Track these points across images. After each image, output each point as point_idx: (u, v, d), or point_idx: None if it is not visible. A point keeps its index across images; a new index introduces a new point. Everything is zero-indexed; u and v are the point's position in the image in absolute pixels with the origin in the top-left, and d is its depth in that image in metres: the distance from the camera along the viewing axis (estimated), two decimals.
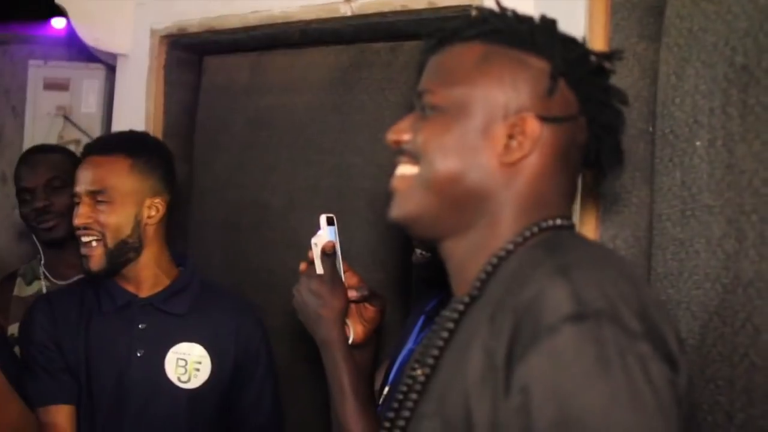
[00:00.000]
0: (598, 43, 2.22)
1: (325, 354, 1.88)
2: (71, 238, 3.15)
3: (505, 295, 1.27)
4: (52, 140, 4.47)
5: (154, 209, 2.63)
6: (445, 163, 1.43)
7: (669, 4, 2.14)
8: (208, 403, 2.64)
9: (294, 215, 3.34)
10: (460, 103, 1.44)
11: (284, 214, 3.38)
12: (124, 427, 2.56)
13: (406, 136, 1.50)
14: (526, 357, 1.17)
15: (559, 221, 1.43)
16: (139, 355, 2.58)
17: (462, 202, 1.44)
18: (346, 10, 3.05)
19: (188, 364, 2.60)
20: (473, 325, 1.33)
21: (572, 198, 1.52)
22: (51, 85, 4.62)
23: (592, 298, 1.18)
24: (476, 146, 1.42)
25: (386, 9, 2.97)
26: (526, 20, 1.50)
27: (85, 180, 2.57)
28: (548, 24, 1.50)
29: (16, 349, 3.08)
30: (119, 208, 2.55)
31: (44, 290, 3.20)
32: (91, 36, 3.70)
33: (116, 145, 2.68)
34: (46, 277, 3.25)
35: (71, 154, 3.37)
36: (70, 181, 3.11)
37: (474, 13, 2.57)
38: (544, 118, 1.42)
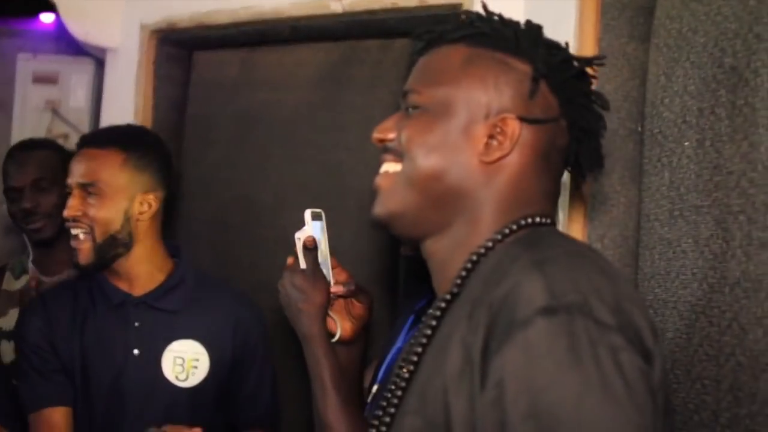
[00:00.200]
0: (588, 44, 2.22)
1: (306, 349, 1.88)
2: (60, 237, 3.15)
3: (484, 292, 1.29)
4: (41, 134, 4.46)
5: (146, 205, 2.60)
6: (427, 161, 1.46)
7: (659, 5, 2.15)
8: (207, 399, 2.63)
9: (283, 212, 3.34)
10: (443, 102, 1.47)
11: (273, 211, 3.38)
12: (122, 427, 2.54)
13: (390, 135, 1.52)
14: (500, 351, 1.18)
15: (538, 219, 1.45)
16: (135, 354, 2.56)
17: (443, 200, 1.46)
18: (336, 7, 3.05)
19: (185, 362, 2.59)
20: (453, 322, 1.35)
21: (554, 198, 1.53)
22: (40, 79, 4.61)
23: (565, 291, 1.19)
24: (458, 145, 1.45)
25: (376, 6, 2.98)
26: (511, 24, 1.53)
27: (77, 172, 2.55)
28: (533, 28, 1.53)
29: (3, 343, 3.10)
30: (109, 203, 2.53)
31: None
32: (80, 30, 3.69)
33: (111, 138, 2.65)
34: (34, 271, 3.23)
35: (60, 149, 3.34)
36: (59, 179, 3.11)
37: (464, 10, 2.58)
38: (524, 119, 1.44)
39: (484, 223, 1.44)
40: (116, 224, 2.54)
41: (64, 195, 3.10)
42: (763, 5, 1.78)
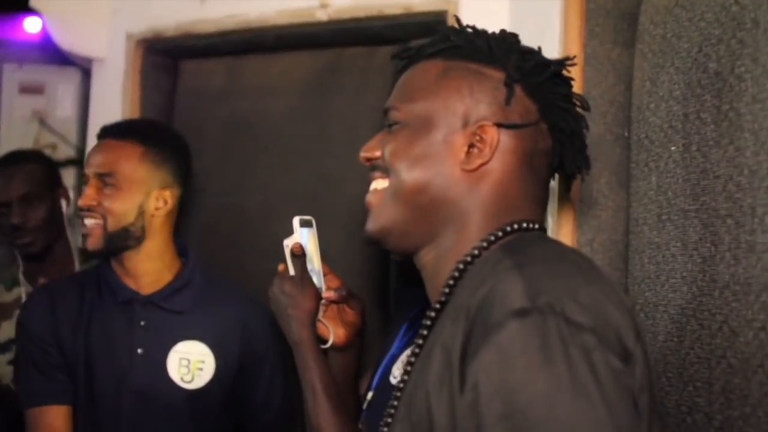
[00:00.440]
0: (573, 50, 2.24)
1: (296, 354, 1.90)
2: (49, 248, 3.15)
3: (467, 297, 1.30)
4: (28, 144, 4.44)
5: (161, 201, 2.60)
6: (411, 174, 1.50)
7: (643, 11, 2.17)
8: (212, 402, 2.62)
9: (271, 220, 3.34)
10: (421, 116, 1.52)
11: (261, 219, 3.38)
12: (124, 427, 2.53)
13: (376, 153, 1.58)
14: (477, 354, 1.20)
15: (525, 224, 1.47)
16: (140, 353, 2.55)
17: (430, 211, 1.50)
18: (321, 15, 3.06)
19: (191, 363, 2.57)
20: (439, 330, 1.38)
21: (542, 202, 1.56)
22: (26, 89, 4.59)
23: (539, 292, 1.21)
24: (439, 156, 1.49)
25: (362, 14, 2.98)
26: (485, 35, 1.57)
27: (95, 162, 2.54)
28: (505, 37, 1.57)
29: None
30: (125, 195, 2.52)
31: (23, 296, 3.18)
32: (66, 40, 3.69)
33: (131, 130, 2.65)
34: (26, 284, 3.23)
35: (47, 161, 3.34)
36: (46, 192, 3.12)
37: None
38: (502, 125, 1.48)
39: (471, 231, 1.48)
40: (130, 217, 2.53)
41: (52, 208, 3.12)
42: (745, 11, 1.80)
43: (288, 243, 1.97)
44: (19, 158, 3.28)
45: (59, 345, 2.54)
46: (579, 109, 1.58)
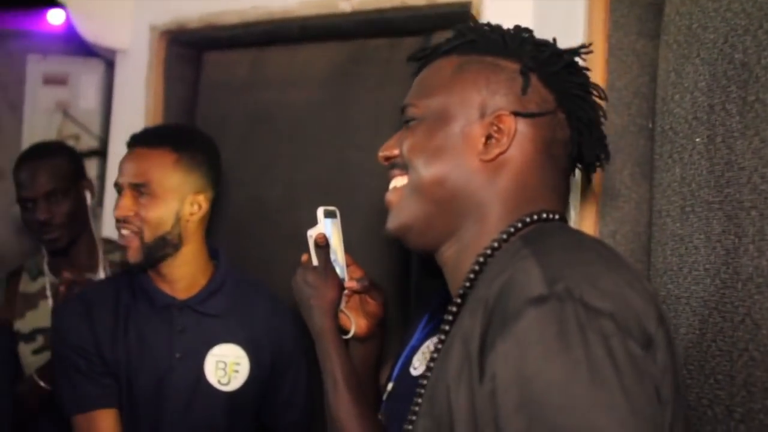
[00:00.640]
0: (597, 41, 2.23)
1: (318, 344, 1.89)
2: (75, 242, 3.16)
3: (486, 289, 1.29)
4: (51, 135, 4.46)
5: (196, 206, 2.59)
6: (430, 168, 1.50)
7: (668, 2, 2.16)
8: (247, 403, 2.63)
9: (293, 210, 3.35)
10: (438, 110, 1.51)
11: (283, 209, 3.39)
12: (164, 430, 2.54)
13: (395, 151, 1.57)
14: (495, 344, 1.19)
15: (545, 215, 1.46)
16: (178, 357, 2.55)
17: (450, 204, 1.49)
18: (345, 6, 3.06)
19: (227, 366, 2.59)
20: (460, 323, 1.36)
21: (562, 193, 1.54)
22: (50, 80, 4.62)
23: (557, 279, 1.20)
24: (457, 148, 1.49)
25: (385, 5, 2.99)
26: (499, 29, 1.58)
27: (129, 172, 2.53)
28: (520, 30, 1.57)
29: (21, 345, 3.10)
30: (161, 203, 2.51)
31: (48, 286, 3.19)
32: (90, 31, 3.70)
33: (163, 138, 2.63)
34: (49, 274, 3.23)
35: (72, 154, 3.31)
36: (72, 187, 3.12)
37: (473, 9, 2.59)
38: (519, 114, 1.47)
39: (491, 223, 1.46)
40: (167, 225, 2.53)
41: (77, 202, 3.12)
42: None
43: (312, 233, 1.97)
44: (44, 152, 3.24)
45: (99, 352, 2.54)
46: (596, 99, 1.58)
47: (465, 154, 1.48)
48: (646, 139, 2.21)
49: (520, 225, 1.44)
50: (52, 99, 4.59)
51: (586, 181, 1.65)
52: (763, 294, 1.72)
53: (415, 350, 1.98)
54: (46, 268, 3.22)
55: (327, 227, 1.98)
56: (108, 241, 3.32)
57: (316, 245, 1.95)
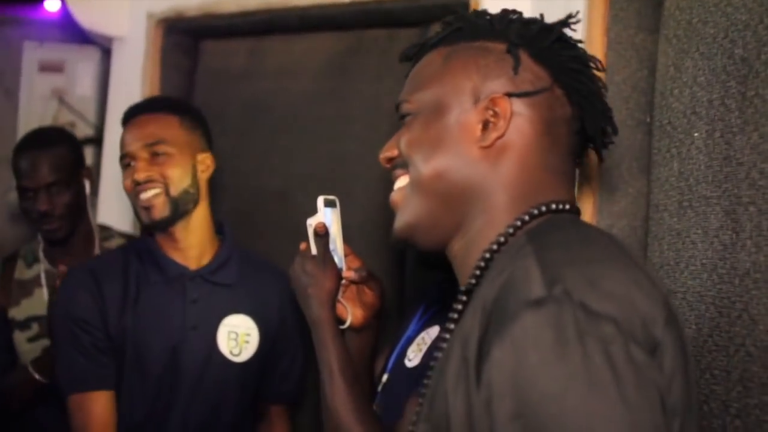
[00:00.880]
0: (597, 35, 2.23)
1: (315, 334, 1.89)
2: (72, 232, 3.15)
3: (487, 288, 1.25)
4: (47, 123, 4.46)
5: (204, 165, 2.64)
6: (428, 163, 1.45)
7: None
8: (256, 373, 2.66)
9: (289, 200, 3.35)
10: (432, 102, 1.47)
11: (280, 199, 3.39)
12: (176, 401, 2.55)
13: (395, 151, 1.53)
14: (491, 349, 1.14)
15: (554, 206, 1.40)
16: (191, 327, 2.57)
17: (453, 197, 1.44)
18: None
19: (239, 336, 2.61)
20: (462, 323, 1.31)
21: (568, 179, 1.48)
22: (46, 67, 4.61)
23: (556, 280, 1.14)
24: (454, 138, 1.44)
25: None
26: (485, 13, 1.54)
27: (139, 136, 2.55)
28: (507, 12, 1.53)
29: (16, 333, 3.09)
30: (179, 158, 2.55)
31: (43, 274, 3.18)
32: (86, 19, 3.70)
33: (162, 104, 2.69)
34: (45, 261, 3.22)
35: (73, 142, 3.26)
36: (73, 176, 3.10)
37: (472, 0, 2.59)
38: (513, 95, 1.42)
39: (498, 214, 1.41)
40: (187, 180, 2.57)
41: (77, 191, 3.11)
42: None
43: (311, 222, 1.96)
44: (45, 141, 3.17)
45: (105, 326, 2.53)
46: (592, 69, 1.51)
47: (463, 143, 1.43)
48: (644, 134, 2.21)
49: (527, 218, 1.38)
50: (48, 86, 4.59)
51: (583, 175, 1.61)
52: (761, 289, 1.72)
53: (410, 342, 1.98)
54: (41, 255, 3.20)
55: (327, 216, 1.98)
56: (104, 228, 3.31)
57: (316, 234, 1.95)
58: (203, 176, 2.64)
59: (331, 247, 1.97)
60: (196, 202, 2.60)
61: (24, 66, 4.68)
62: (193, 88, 3.65)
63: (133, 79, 3.58)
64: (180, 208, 2.55)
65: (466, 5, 2.65)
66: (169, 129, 2.58)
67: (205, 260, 2.65)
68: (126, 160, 2.56)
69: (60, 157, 3.10)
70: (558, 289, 1.13)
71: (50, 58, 4.62)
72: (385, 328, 2.13)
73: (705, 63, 1.96)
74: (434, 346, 1.85)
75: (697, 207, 1.93)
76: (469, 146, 1.43)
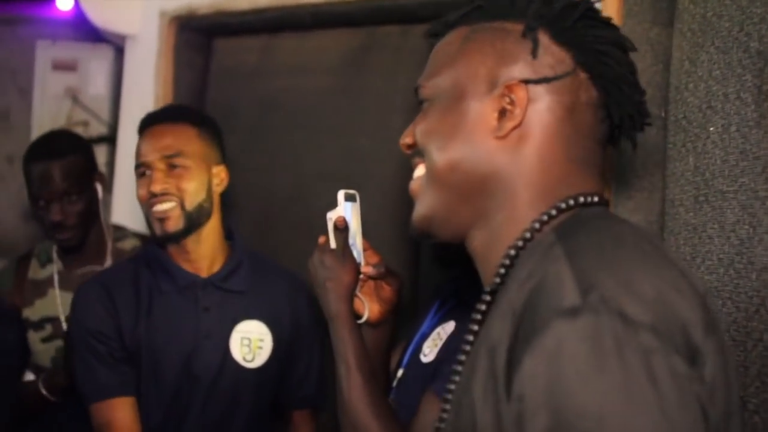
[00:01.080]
0: None
1: (332, 327, 1.88)
2: (84, 243, 3.14)
3: (516, 292, 1.17)
4: (60, 122, 4.47)
5: (218, 178, 2.64)
6: (443, 153, 1.37)
7: None
8: (271, 379, 2.66)
9: (302, 197, 3.35)
10: (447, 89, 1.39)
11: (292, 196, 3.39)
12: (191, 408, 2.55)
13: (412, 139, 1.45)
14: (521, 361, 1.07)
15: (582, 199, 1.30)
16: (204, 336, 2.57)
17: (469, 190, 1.36)
18: None
19: (252, 342, 2.61)
20: (488, 326, 1.24)
21: (596, 169, 1.37)
22: (59, 66, 4.62)
23: (592, 286, 1.07)
24: (469, 128, 1.35)
25: None
26: None
27: (157, 147, 2.54)
28: None
29: (30, 333, 3.09)
30: (196, 172, 2.55)
31: (56, 275, 3.17)
32: (99, 17, 3.70)
33: (181, 114, 2.68)
34: (58, 261, 3.22)
35: (85, 149, 3.22)
36: (86, 184, 3.09)
37: None
38: (530, 81, 1.33)
39: (520, 209, 1.32)
40: (202, 194, 2.56)
41: (91, 199, 3.10)
42: None
43: (331, 216, 1.96)
44: (57, 151, 3.10)
45: (120, 336, 2.54)
46: (622, 51, 1.39)
47: (478, 133, 1.34)
48: (658, 129, 2.20)
49: (554, 212, 1.29)
50: (61, 85, 4.60)
51: (632, 149, 1.48)
52: None
53: (425, 337, 1.97)
54: (55, 255, 3.21)
55: (347, 210, 1.98)
56: (118, 228, 3.31)
57: (335, 228, 1.95)
58: (218, 189, 2.64)
59: (350, 241, 1.96)
60: (209, 216, 2.60)
61: (37, 65, 4.69)
62: (206, 86, 3.65)
63: (146, 77, 3.58)
64: (194, 222, 2.55)
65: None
66: (188, 141, 2.56)
67: (216, 267, 2.65)
68: (142, 170, 2.56)
69: (72, 167, 3.06)
70: (594, 296, 1.06)
71: (63, 56, 4.63)
72: (399, 323, 2.12)
73: (720, 57, 1.95)
74: (451, 342, 1.85)
75: (713, 202, 1.92)
76: (485, 137, 1.34)
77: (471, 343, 1.31)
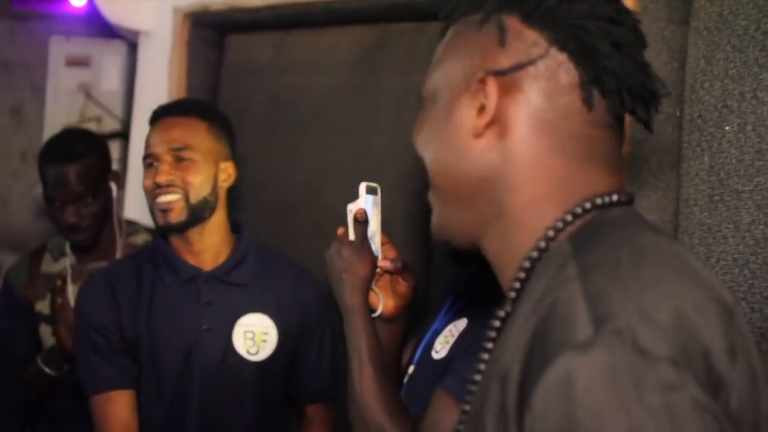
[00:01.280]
0: None
1: (346, 319, 1.88)
2: (98, 242, 3.15)
3: (531, 312, 1.08)
4: (74, 118, 4.47)
5: (226, 174, 2.64)
6: (432, 161, 1.32)
7: None
8: (276, 372, 2.65)
9: (315, 195, 3.35)
10: (434, 89, 1.33)
11: (306, 194, 3.39)
12: (193, 403, 2.55)
13: None
14: (532, 395, 0.98)
15: (599, 200, 1.18)
16: (206, 329, 2.56)
17: (465, 195, 1.28)
18: None
19: (255, 335, 2.60)
20: (503, 343, 1.14)
21: (604, 159, 1.22)
22: (72, 62, 4.62)
23: (606, 316, 0.98)
24: (450, 130, 1.27)
25: None
26: None
27: (166, 139, 2.55)
28: None
29: (42, 327, 3.11)
30: (202, 167, 2.55)
31: (69, 269, 3.18)
32: (113, 13, 3.70)
33: (192, 108, 2.68)
34: (71, 255, 3.23)
35: (100, 149, 3.22)
36: (101, 186, 3.10)
37: None
38: (500, 72, 1.22)
39: (522, 211, 1.22)
40: (207, 188, 2.56)
41: (106, 198, 3.12)
42: None
43: (352, 208, 1.96)
44: (72, 153, 3.09)
45: (121, 330, 2.55)
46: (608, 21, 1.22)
47: (461, 134, 1.25)
48: (673, 128, 2.19)
49: (570, 218, 1.17)
50: (74, 81, 4.60)
51: (647, 130, 1.32)
52: None
53: (437, 334, 1.97)
54: (68, 249, 3.21)
55: (368, 203, 1.98)
56: (130, 223, 3.32)
57: (355, 220, 1.95)
58: (224, 185, 2.64)
59: (369, 234, 1.96)
60: (213, 210, 2.60)
61: (50, 61, 4.69)
62: (219, 83, 3.66)
63: (159, 73, 3.58)
64: (197, 215, 2.55)
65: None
66: (197, 135, 2.57)
67: (220, 260, 2.65)
68: (149, 160, 2.56)
69: (88, 170, 3.06)
70: (607, 328, 0.97)
71: (77, 52, 4.62)
72: (412, 320, 2.12)
73: (737, 55, 1.94)
74: (462, 339, 1.84)
75: (728, 201, 1.92)
76: (467, 137, 1.25)
77: (489, 351, 1.22)
